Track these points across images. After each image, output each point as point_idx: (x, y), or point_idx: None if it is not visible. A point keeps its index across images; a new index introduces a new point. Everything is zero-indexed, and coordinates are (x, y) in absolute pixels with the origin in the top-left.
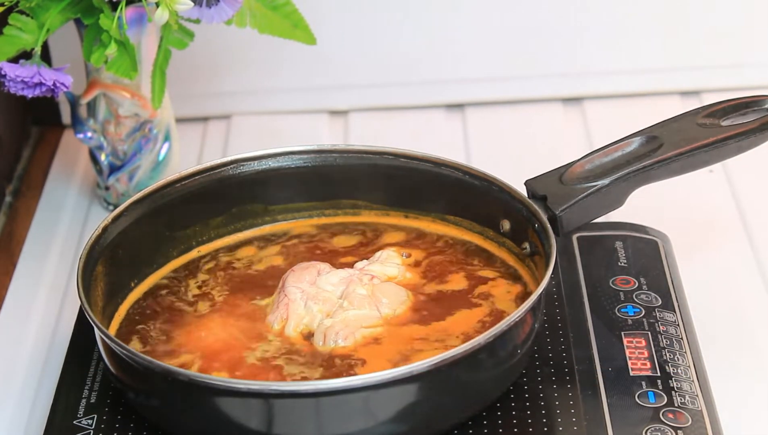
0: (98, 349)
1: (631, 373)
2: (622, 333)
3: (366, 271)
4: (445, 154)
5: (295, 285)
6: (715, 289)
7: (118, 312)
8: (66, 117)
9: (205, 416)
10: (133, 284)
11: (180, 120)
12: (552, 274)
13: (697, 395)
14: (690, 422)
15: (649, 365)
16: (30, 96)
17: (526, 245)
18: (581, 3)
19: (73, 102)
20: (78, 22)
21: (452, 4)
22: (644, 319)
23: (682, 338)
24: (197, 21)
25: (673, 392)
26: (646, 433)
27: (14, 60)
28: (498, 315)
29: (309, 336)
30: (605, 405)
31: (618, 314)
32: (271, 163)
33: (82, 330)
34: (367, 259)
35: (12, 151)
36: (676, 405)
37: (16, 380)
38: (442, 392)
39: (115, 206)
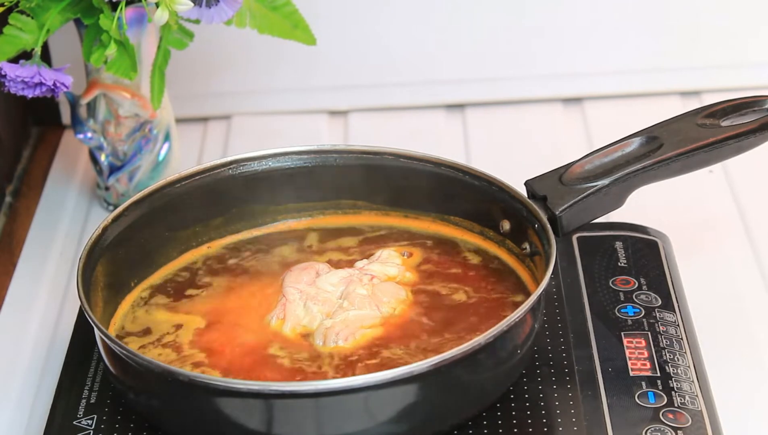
0: (98, 349)
1: (631, 374)
2: (622, 333)
3: (366, 270)
4: (445, 154)
5: (293, 285)
6: (715, 289)
7: (118, 312)
8: (66, 117)
9: (205, 416)
10: (133, 284)
11: (180, 120)
12: (552, 274)
13: (697, 395)
14: (690, 422)
15: (649, 365)
16: (30, 96)
17: (526, 245)
18: (581, 3)
19: (73, 102)
20: (78, 22)
21: (452, 4)
22: (644, 320)
23: (682, 338)
24: (197, 21)
25: (673, 392)
26: (646, 433)
27: (14, 60)
28: (497, 315)
29: (308, 336)
30: (605, 405)
31: (618, 314)
32: (271, 163)
33: (82, 330)
34: (367, 258)
35: (12, 151)
36: (676, 405)
37: (16, 380)
38: (442, 392)
39: (115, 206)
